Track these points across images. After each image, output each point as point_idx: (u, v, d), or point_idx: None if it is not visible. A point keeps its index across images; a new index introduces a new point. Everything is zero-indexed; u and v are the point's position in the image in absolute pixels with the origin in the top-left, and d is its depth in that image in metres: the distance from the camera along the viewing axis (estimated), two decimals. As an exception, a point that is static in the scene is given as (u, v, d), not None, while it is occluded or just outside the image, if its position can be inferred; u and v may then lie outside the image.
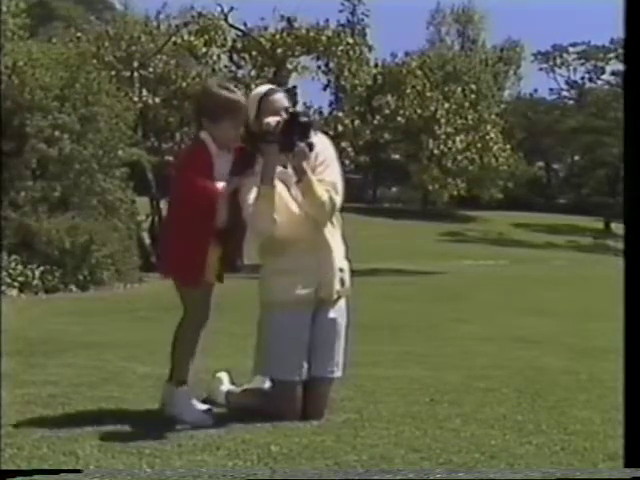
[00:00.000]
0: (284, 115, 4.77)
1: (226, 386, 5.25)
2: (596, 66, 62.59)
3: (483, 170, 30.76)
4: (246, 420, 4.67)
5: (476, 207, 47.57)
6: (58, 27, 31.03)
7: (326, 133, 5.36)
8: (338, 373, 4.96)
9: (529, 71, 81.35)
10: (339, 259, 4.93)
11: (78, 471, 3.78)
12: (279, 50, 27.07)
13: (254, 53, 27.66)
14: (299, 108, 27.33)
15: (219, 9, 26.70)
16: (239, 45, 27.77)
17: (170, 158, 25.44)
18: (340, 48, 27.28)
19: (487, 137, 28.31)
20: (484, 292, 16.88)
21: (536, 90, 65.76)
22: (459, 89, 29.23)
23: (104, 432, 4.40)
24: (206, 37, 27.00)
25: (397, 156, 37.03)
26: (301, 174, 4.73)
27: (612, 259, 28.35)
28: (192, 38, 26.74)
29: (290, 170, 4.78)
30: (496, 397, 5.58)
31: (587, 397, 5.65)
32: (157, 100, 25.66)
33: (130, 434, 4.44)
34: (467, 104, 28.59)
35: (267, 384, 5.00)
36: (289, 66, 28.06)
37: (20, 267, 14.81)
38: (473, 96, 29.99)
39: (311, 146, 4.74)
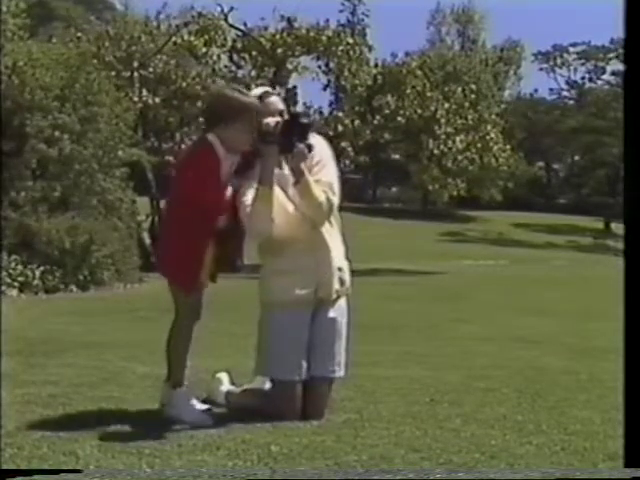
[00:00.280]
0: (279, 117, 4.77)
1: (226, 386, 5.25)
2: (596, 66, 62.59)
3: (483, 170, 30.78)
4: (246, 420, 4.67)
5: (476, 207, 47.58)
6: (58, 27, 31.03)
7: (326, 133, 5.37)
8: (340, 373, 4.96)
9: (529, 71, 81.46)
10: (338, 259, 4.93)
11: (78, 471, 3.78)
12: (279, 50, 27.08)
13: (254, 53, 27.67)
14: (299, 108, 27.42)
15: (219, 9, 26.73)
16: (239, 45, 27.78)
17: (170, 158, 25.43)
18: (340, 48, 27.29)
19: (487, 137, 28.31)
20: (484, 292, 16.88)
21: (536, 90, 65.86)
22: (459, 89, 29.24)
23: (104, 432, 4.40)
24: (206, 37, 27.00)
25: (397, 156, 37.05)
26: (299, 175, 4.73)
27: (612, 259, 28.35)
28: (192, 38, 26.75)
29: (286, 171, 4.78)
30: (496, 397, 5.59)
31: (587, 397, 5.65)
32: (157, 100, 25.67)
33: (130, 434, 4.44)
34: (467, 104, 28.60)
35: (267, 384, 5.00)
36: (289, 66, 28.08)
37: (20, 267, 14.81)
38: (473, 96, 30.00)
39: (310, 147, 4.74)
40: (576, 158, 62.14)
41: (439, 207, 46.76)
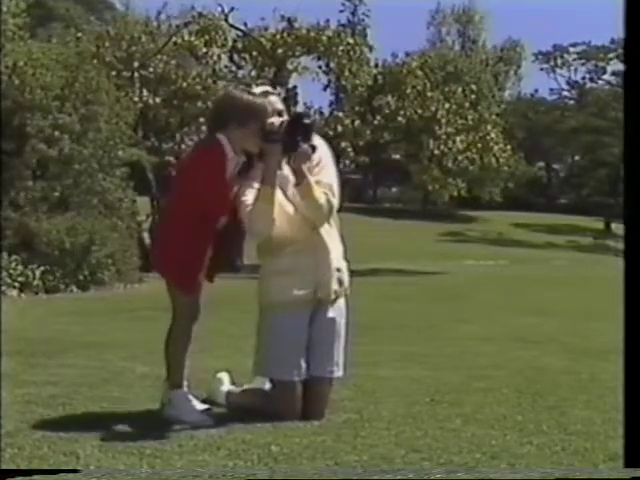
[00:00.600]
0: (277, 117, 4.77)
1: (226, 386, 5.25)
2: (597, 66, 62.57)
3: (483, 170, 30.76)
4: (246, 420, 4.67)
5: (476, 207, 47.57)
6: (57, 27, 31.00)
7: (326, 133, 5.37)
8: (338, 373, 4.97)
9: (530, 71, 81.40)
10: (337, 259, 4.93)
11: (77, 471, 3.78)
12: (279, 50, 27.07)
13: (254, 53, 27.66)
14: (299, 108, 27.42)
15: (220, 9, 26.72)
16: (239, 45, 27.77)
17: (171, 158, 25.44)
18: (341, 48, 27.28)
19: (487, 137, 28.30)
20: (484, 292, 16.87)
21: (537, 90, 65.86)
22: (460, 89, 29.23)
23: (105, 432, 4.41)
24: (206, 37, 26.99)
25: (397, 156, 37.01)
26: (301, 177, 4.73)
27: (612, 259, 28.34)
28: (192, 38, 26.74)
29: (285, 171, 4.78)
30: (496, 397, 5.59)
31: (587, 397, 5.65)
32: (157, 100, 25.65)
33: (131, 434, 4.44)
34: (467, 104, 28.60)
35: (267, 384, 5.00)
36: (289, 66, 28.07)
37: (20, 267, 14.80)
38: (473, 96, 30.00)
39: (314, 148, 4.74)
40: (576, 158, 62.12)
41: (439, 207, 46.76)
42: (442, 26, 66.24)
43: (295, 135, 4.68)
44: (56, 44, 20.22)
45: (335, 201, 4.83)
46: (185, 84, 25.71)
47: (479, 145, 28.12)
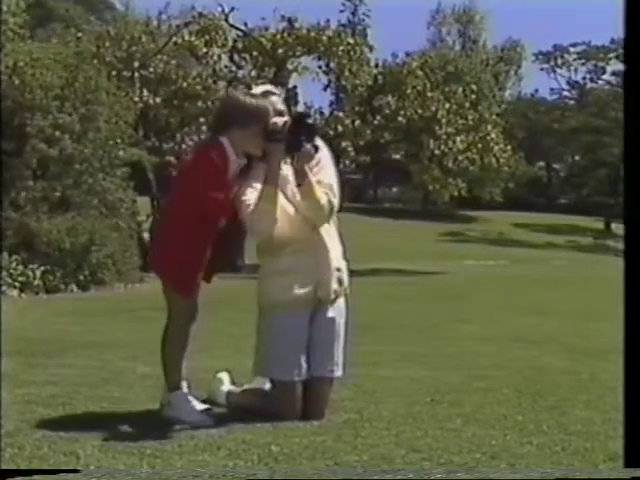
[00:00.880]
0: (278, 117, 4.78)
1: (227, 386, 5.25)
2: (597, 66, 62.56)
3: (484, 170, 30.74)
4: (247, 420, 4.67)
5: (477, 207, 47.57)
6: (57, 27, 31.00)
7: (327, 133, 5.37)
8: (338, 372, 4.97)
9: (530, 71, 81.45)
10: (336, 259, 4.93)
11: (77, 471, 3.78)
12: (280, 50, 27.06)
13: (255, 53, 27.64)
14: (300, 108, 27.41)
15: (220, 9, 26.70)
16: (240, 45, 27.76)
17: (171, 158, 25.43)
18: (341, 48, 27.27)
19: (488, 137, 28.29)
20: (484, 292, 16.87)
21: (537, 90, 65.86)
22: (460, 89, 29.22)
23: (105, 432, 4.41)
24: (207, 37, 26.98)
25: (398, 156, 37.00)
26: (303, 177, 4.73)
27: (612, 259, 28.34)
28: (193, 38, 26.73)
29: (284, 171, 4.77)
30: (497, 397, 5.59)
31: (588, 397, 5.65)
32: (158, 100, 25.64)
33: (131, 434, 4.44)
34: (468, 104, 28.58)
35: (267, 384, 5.00)
36: (290, 66, 28.06)
37: (21, 267, 14.81)
38: (474, 96, 29.99)
39: (316, 148, 4.75)
40: (576, 158, 62.10)
41: (439, 207, 46.75)
42: (442, 26, 66.25)
43: (298, 135, 4.68)
44: (56, 44, 20.22)
45: (336, 201, 4.84)
46: (185, 84, 25.71)
47: (479, 145, 28.10)
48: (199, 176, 4.71)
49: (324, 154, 4.91)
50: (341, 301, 5.00)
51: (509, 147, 29.83)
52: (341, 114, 28.83)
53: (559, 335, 9.59)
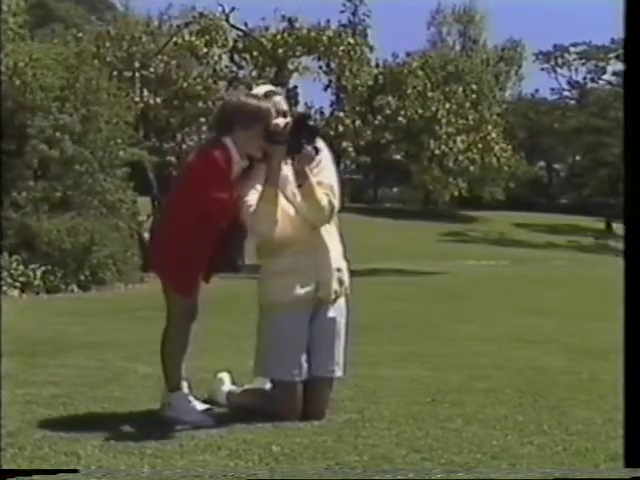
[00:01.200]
0: (282, 118, 4.77)
1: (227, 386, 5.25)
2: (597, 66, 62.55)
3: (484, 170, 30.72)
4: (247, 420, 4.67)
5: (477, 207, 47.56)
6: (57, 28, 30.97)
7: (327, 133, 5.37)
8: (339, 372, 4.97)
9: (530, 71, 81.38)
10: (337, 259, 4.93)
11: (77, 471, 3.78)
12: (280, 50, 27.05)
13: (255, 53, 27.63)
14: (300, 109, 27.39)
15: (220, 9, 26.68)
16: (240, 45, 27.74)
17: (172, 158, 25.42)
18: (341, 48, 27.26)
19: (488, 137, 28.26)
20: (484, 292, 16.87)
21: (537, 90, 65.95)
22: (460, 89, 29.19)
23: (106, 432, 4.41)
24: (207, 37, 26.97)
25: (398, 156, 36.97)
26: (303, 178, 4.73)
27: (613, 259, 28.32)
28: (193, 38, 26.72)
29: (285, 172, 4.77)
30: (497, 397, 5.59)
31: (588, 397, 5.65)
32: (158, 100, 25.63)
33: (132, 434, 4.45)
34: (468, 104, 28.55)
35: (268, 384, 5.00)
36: (290, 66, 28.04)
37: (21, 267, 14.81)
38: (474, 96, 29.95)
39: (317, 150, 4.74)
40: (577, 158, 62.07)
41: (440, 207, 46.74)
42: (443, 26, 66.23)
43: (299, 137, 4.67)
44: (57, 44, 20.19)
45: (336, 202, 4.84)
46: (186, 84, 25.70)
47: (480, 145, 28.08)
48: (202, 177, 4.70)
49: (324, 155, 4.91)
50: (342, 301, 5.00)
51: (510, 147, 29.81)
52: (341, 114, 28.78)
53: (559, 335, 9.59)
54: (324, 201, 4.77)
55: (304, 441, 4.31)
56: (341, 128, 27.17)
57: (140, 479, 3.77)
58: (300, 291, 4.83)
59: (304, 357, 4.84)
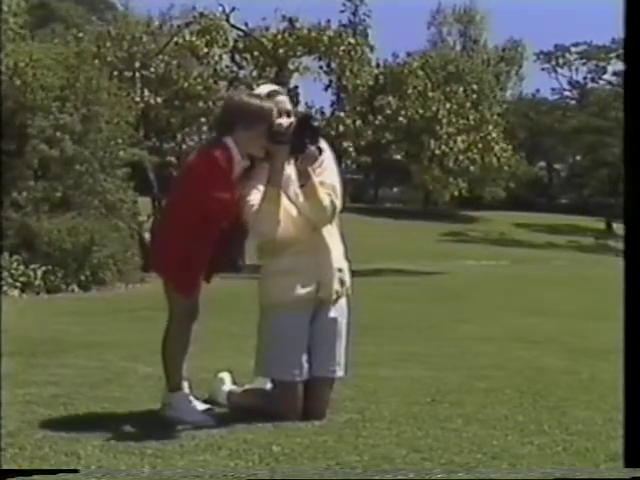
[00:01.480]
0: (286, 117, 4.77)
1: (228, 386, 5.25)
2: (597, 66, 62.56)
3: (484, 170, 30.72)
4: (248, 420, 4.67)
5: (478, 207, 47.55)
6: (57, 28, 30.96)
7: (328, 133, 5.36)
8: (340, 373, 4.97)
9: (531, 71, 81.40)
10: (338, 259, 4.93)
11: (77, 471, 3.78)
12: (281, 50, 27.04)
13: (256, 53, 27.62)
14: (301, 109, 27.39)
15: (221, 9, 26.68)
16: (241, 45, 27.74)
17: (172, 158, 25.41)
18: (342, 48, 27.25)
19: (489, 137, 28.26)
20: (485, 292, 16.87)
21: (538, 90, 65.87)
22: (461, 89, 29.19)
23: (106, 432, 4.41)
24: (208, 37, 26.97)
25: (399, 156, 36.96)
26: (306, 178, 4.73)
27: (613, 259, 28.32)
28: (194, 38, 26.71)
29: (287, 172, 4.77)
30: (497, 397, 5.59)
31: (588, 397, 5.65)
32: (159, 100, 25.63)
33: (132, 434, 4.45)
34: (469, 104, 28.55)
35: (268, 384, 5.00)
36: (291, 66, 28.03)
37: (22, 267, 14.81)
38: (475, 96, 29.96)
39: (320, 150, 4.74)
40: (578, 158, 62.06)
41: (440, 207, 46.73)
42: (443, 26, 66.20)
43: (303, 137, 4.67)
44: (57, 44, 20.19)
45: (338, 202, 4.84)
46: (186, 84, 25.70)
47: (480, 145, 28.08)
48: (203, 177, 4.70)
49: (327, 155, 4.91)
50: (343, 301, 5.00)
51: (510, 147, 29.80)
52: (342, 114, 28.77)
53: (559, 335, 9.59)
54: (326, 201, 4.77)
55: (305, 441, 4.31)
56: (342, 128, 27.17)
57: (140, 479, 3.77)
58: (301, 291, 4.83)
59: (305, 357, 4.84)
